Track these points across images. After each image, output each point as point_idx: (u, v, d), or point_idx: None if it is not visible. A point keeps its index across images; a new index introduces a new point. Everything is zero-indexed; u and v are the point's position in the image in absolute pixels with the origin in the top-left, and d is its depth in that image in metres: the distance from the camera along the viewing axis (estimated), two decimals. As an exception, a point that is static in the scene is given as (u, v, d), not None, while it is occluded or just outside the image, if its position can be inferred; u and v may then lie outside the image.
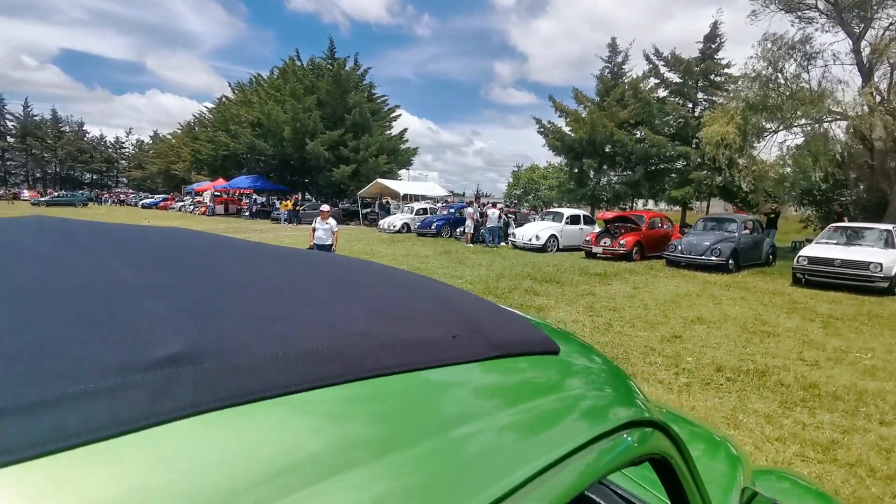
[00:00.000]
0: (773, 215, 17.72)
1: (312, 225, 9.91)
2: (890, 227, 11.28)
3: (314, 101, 32.83)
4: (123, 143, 79.32)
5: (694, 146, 22.96)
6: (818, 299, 9.23)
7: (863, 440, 3.64)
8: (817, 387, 4.64)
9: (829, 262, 10.34)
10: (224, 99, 44.08)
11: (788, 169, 16.80)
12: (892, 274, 9.69)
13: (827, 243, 11.37)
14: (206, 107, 47.91)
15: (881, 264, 9.71)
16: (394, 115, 38.33)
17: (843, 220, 15.76)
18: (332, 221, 9.71)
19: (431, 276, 7.10)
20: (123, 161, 77.34)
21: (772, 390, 4.55)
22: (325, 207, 10.06)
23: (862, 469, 3.23)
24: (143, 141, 78.22)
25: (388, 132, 37.17)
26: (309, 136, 32.11)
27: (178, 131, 56.27)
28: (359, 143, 33.13)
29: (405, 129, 38.71)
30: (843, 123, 15.89)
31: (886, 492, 2.97)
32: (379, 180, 28.29)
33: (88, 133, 75.78)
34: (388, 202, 30.73)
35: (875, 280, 9.73)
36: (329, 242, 9.59)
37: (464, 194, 20.09)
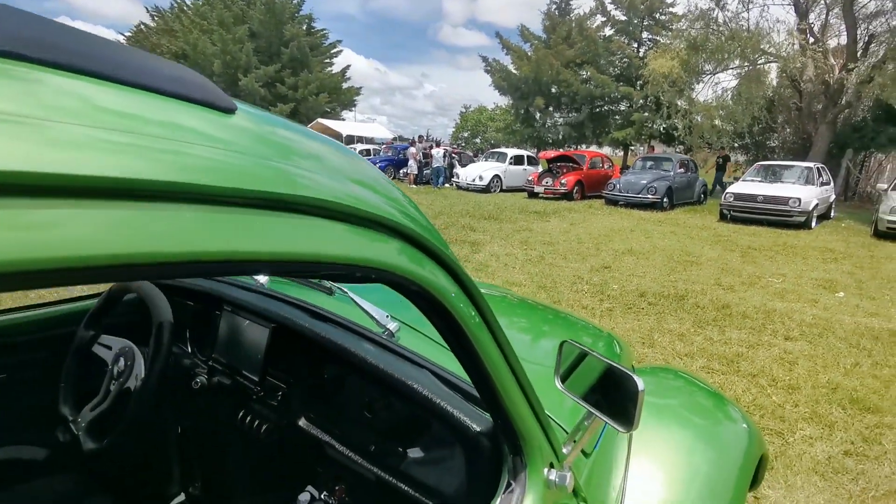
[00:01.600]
0: (721, 160, 18.05)
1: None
2: (811, 164, 11.83)
3: (246, 32, 30.16)
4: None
5: (638, 87, 23.04)
6: (740, 233, 9.63)
7: (767, 354, 3.77)
8: (729, 307, 4.79)
9: (752, 198, 10.76)
10: (142, 27, 39.78)
11: (722, 112, 17.18)
12: (810, 209, 10.21)
13: (752, 180, 11.82)
14: (123, 36, 43.19)
15: (800, 199, 10.19)
16: (335, 50, 36.03)
17: (727, 165, 16.89)
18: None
19: None
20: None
21: (688, 312, 4.65)
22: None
23: (764, 379, 3.33)
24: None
25: (328, 69, 35.03)
26: (242, 72, 29.70)
27: (94, 64, 50.67)
28: (297, 81, 31.06)
29: (347, 67, 36.60)
30: (776, 66, 16.27)
31: (787, 400, 3.06)
32: (320, 120, 26.93)
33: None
34: (330, 144, 29.32)
35: (793, 214, 10.23)
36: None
37: (412, 140, 19.18)
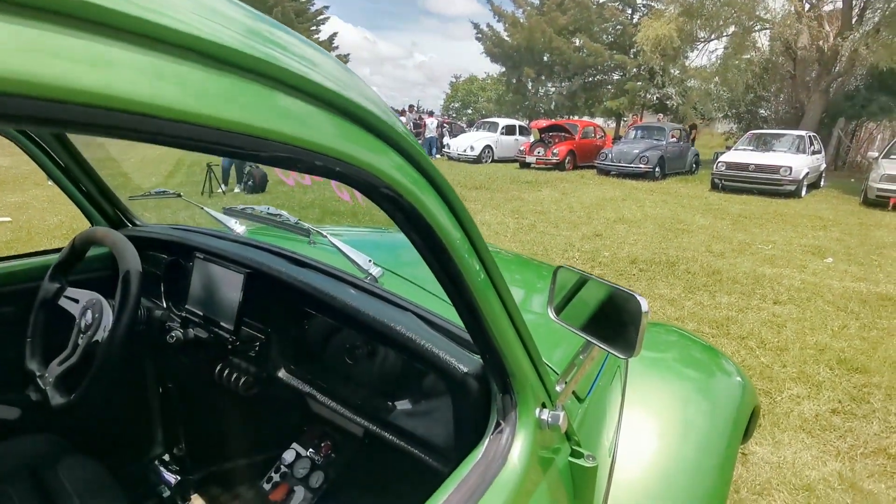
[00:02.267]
0: (689, 128, 17.74)
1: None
2: (803, 133, 11.77)
3: (228, -3, 29.11)
4: None
5: (631, 56, 22.67)
6: (731, 201, 9.63)
7: (756, 317, 3.78)
8: (720, 273, 4.79)
9: (744, 166, 10.72)
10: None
11: (717, 79, 16.98)
12: (801, 177, 10.20)
13: (744, 149, 11.76)
14: None
15: (791, 168, 10.17)
16: (321, 17, 34.96)
17: (693, 134, 16.49)
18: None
19: None
20: None
21: (679, 278, 4.65)
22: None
23: (753, 341, 3.35)
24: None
25: (315, 37, 34.02)
26: (225, 38, 28.81)
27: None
28: (283, 48, 30.19)
29: (335, 34, 35.60)
30: (770, 33, 16.01)
31: (776, 361, 3.08)
32: (307, 90, 26.24)
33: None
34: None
35: (784, 183, 10.23)
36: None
37: (402, 110, 18.76)
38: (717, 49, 17.36)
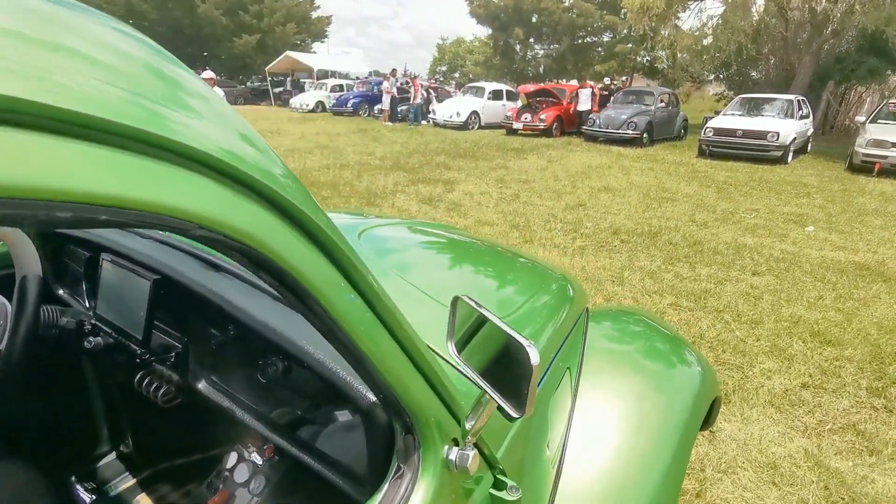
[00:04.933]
0: (606, 93, 16.52)
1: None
2: (793, 97, 11.62)
3: (202, -47, 27.68)
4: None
5: (622, 17, 22.06)
6: (718, 168, 9.56)
7: (734, 289, 3.77)
8: (701, 244, 4.76)
9: (731, 132, 10.60)
10: (88, -53, 36.08)
11: (708, 39, 16.62)
12: (788, 143, 10.12)
13: (732, 115, 11.61)
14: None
15: (778, 133, 10.08)
16: (302, -25, 33.46)
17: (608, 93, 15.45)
18: (218, 90, 8.45)
19: (341, 153, 6.51)
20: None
21: (660, 249, 4.62)
22: (208, 74, 8.72)
23: (728, 314, 3.34)
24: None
25: (296, -3, 32.66)
26: (200, -2, 27.52)
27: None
28: (261, 8, 28.95)
29: (316, -7, 34.17)
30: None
31: (750, 334, 3.07)
32: (289, 53, 25.33)
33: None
34: (301, 80, 27.92)
35: (770, 149, 10.15)
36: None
37: (386, 75, 17.80)
38: (710, 9, 16.95)
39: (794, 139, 10.39)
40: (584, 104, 14.20)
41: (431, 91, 19.64)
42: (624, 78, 23.91)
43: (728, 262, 4.32)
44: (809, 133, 12.16)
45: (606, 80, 18.53)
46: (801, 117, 11.29)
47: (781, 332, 3.08)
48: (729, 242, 4.87)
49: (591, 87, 14.27)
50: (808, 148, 12.29)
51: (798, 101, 11.52)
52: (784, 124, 10.44)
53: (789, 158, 10.40)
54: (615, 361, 1.24)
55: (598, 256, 4.41)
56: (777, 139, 10.05)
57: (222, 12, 27.90)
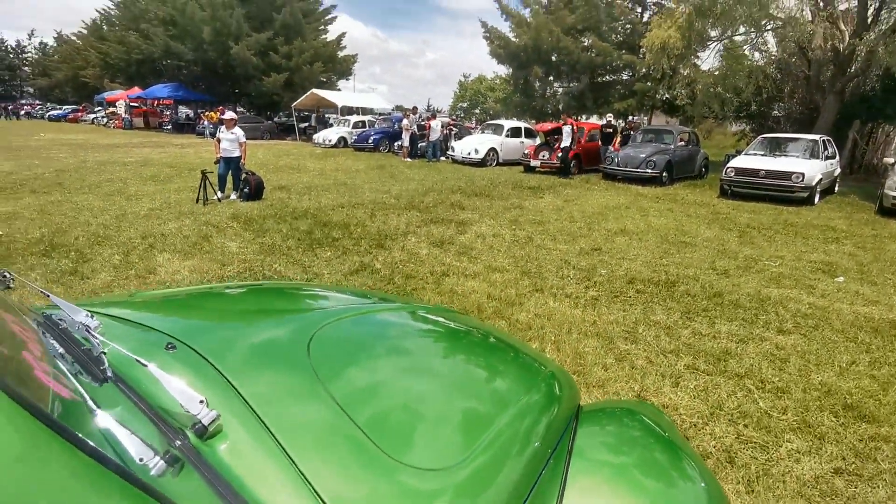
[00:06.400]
0: (610, 130, 16.40)
1: (217, 135, 8.79)
2: (817, 137, 11.37)
3: (236, -2, 29.10)
4: (25, 47, 68.75)
5: (640, 56, 22.21)
6: (740, 210, 9.30)
7: (758, 349, 3.53)
8: (722, 296, 4.53)
9: (754, 172, 10.37)
10: (131, -8, 38.37)
11: (722, 81, 16.53)
12: (813, 184, 9.83)
13: (755, 154, 11.39)
14: (111, 1, 41.75)
15: (803, 174, 9.81)
16: (329, 16, 34.86)
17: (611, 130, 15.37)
18: (238, 131, 8.65)
19: (357, 191, 6.65)
20: (27, 68, 67.70)
21: (678, 301, 4.40)
22: (229, 115, 8.93)
23: (751, 380, 3.10)
24: (46, 44, 68.13)
25: (323, 37, 33.94)
26: (233, 39, 28.76)
27: (84, 31, 49.25)
28: (290, 49, 30.11)
29: (343, 34, 35.47)
30: (780, 33, 15.53)
31: (775, 406, 2.82)
32: (314, 91, 26.10)
33: (-17, 38, 65.21)
34: (325, 115, 28.71)
35: (795, 190, 9.87)
36: (236, 154, 8.61)
37: (406, 112, 17.98)
38: (729, 48, 16.93)
39: (820, 180, 10.09)
40: (566, 141, 13.82)
41: (452, 128, 19.90)
42: (637, 116, 23.90)
43: (751, 318, 4.08)
44: (836, 173, 11.83)
45: (609, 118, 18.48)
46: (827, 157, 11.01)
47: (811, 404, 2.83)
48: (752, 294, 4.62)
49: (571, 123, 14.11)
50: (836, 188, 11.94)
51: (823, 140, 11.26)
52: (809, 165, 10.17)
53: (816, 199, 10.08)
54: (606, 475, 1.08)
55: (612, 308, 4.22)
56: (802, 180, 9.78)
57: (254, 53, 29.06)
